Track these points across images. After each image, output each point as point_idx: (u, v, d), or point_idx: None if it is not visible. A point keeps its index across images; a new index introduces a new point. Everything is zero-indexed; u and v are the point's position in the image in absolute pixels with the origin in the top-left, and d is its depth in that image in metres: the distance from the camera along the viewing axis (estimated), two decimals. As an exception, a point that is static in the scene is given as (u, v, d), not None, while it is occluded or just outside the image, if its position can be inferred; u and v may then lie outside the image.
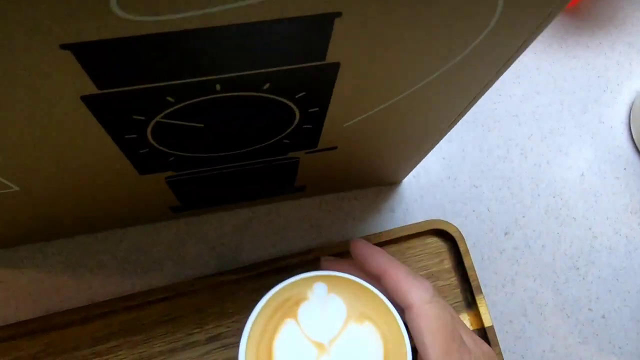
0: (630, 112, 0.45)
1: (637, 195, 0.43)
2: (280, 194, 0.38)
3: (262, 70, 0.18)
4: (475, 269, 0.39)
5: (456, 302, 0.38)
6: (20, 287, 0.36)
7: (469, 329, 0.29)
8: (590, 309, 0.40)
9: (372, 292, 0.26)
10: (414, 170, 0.41)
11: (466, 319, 0.38)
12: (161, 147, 0.23)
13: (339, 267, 0.30)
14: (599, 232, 0.42)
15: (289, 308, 0.26)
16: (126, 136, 0.21)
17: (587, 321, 0.40)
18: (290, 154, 0.28)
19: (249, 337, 0.25)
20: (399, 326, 0.25)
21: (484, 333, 0.37)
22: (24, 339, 0.35)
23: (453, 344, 0.25)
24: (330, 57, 0.18)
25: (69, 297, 0.36)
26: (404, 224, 0.40)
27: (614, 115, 0.45)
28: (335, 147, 0.29)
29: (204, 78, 0.18)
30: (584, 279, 0.41)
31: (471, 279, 0.38)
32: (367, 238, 0.38)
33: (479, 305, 0.38)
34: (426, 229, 0.39)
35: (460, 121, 0.29)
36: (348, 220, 0.40)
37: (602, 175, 0.44)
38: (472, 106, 0.27)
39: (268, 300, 0.25)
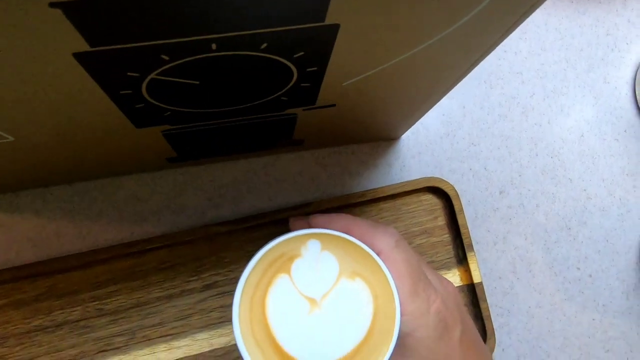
0: (636, 72, 0.44)
1: (634, 157, 0.43)
2: (279, 147, 0.38)
3: (259, 31, 0.17)
4: (469, 226, 0.40)
5: (447, 258, 0.39)
6: (21, 232, 0.37)
7: (433, 269, 0.30)
8: (578, 268, 0.42)
9: (364, 250, 0.26)
10: (412, 127, 0.41)
11: (456, 274, 0.39)
12: (157, 103, 0.23)
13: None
14: (593, 194, 0.43)
15: (283, 264, 0.26)
16: (121, 92, 0.21)
17: (574, 279, 0.41)
18: (288, 111, 0.28)
19: (242, 290, 0.25)
20: (389, 283, 0.26)
21: (472, 289, 0.38)
22: (26, 281, 0.36)
23: (419, 284, 0.27)
24: (330, 19, 0.17)
25: (70, 243, 0.37)
26: (401, 180, 0.41)
27: (619, 75, 0.45)
28: (333, 105, 0.28)
29: (199, 37, 0.17)
30: (574, 239, 0.42)
31: (463, 237, 0.39)
32: (363, 194, 0.39)
33: (469, 262, 0.39)
34: (422, 186, 0.39)
35: (462, 80, 0.28)
36: (345, 175, 0.41)
37: (601, 136, 0.43)
38: (475, 66, 0.26)
39: (262, 256, 0.26)
